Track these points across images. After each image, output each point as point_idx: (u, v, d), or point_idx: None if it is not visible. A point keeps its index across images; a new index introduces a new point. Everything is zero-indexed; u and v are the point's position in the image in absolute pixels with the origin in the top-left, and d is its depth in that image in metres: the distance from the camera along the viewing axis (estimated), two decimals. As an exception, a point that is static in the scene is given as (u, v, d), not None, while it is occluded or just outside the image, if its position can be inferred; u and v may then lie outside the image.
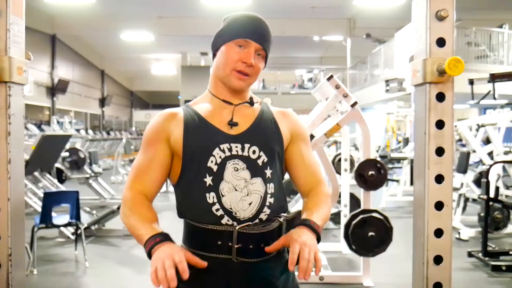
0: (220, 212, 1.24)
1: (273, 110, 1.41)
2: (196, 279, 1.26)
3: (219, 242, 1.23)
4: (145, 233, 1.21)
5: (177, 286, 1.26)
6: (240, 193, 1.25)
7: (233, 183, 1.25)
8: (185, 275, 1.11)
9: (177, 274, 1.11)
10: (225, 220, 1.24)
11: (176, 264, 1.11)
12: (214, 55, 1.36)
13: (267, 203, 1.28)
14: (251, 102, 1.36)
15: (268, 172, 1.30)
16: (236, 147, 1.28)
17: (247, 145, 1.29)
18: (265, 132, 1.33)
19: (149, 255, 1.18)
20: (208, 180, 1.26)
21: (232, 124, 1.30)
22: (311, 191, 1.37)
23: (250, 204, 1.25)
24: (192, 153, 1.28)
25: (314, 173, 1.39)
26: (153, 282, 1.10)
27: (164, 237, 1.20)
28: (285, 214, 1.32)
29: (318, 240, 1.22)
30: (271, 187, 1.29)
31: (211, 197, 1.25)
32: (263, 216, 1.27)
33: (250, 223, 1.24)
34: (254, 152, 1.29)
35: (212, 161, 1.27)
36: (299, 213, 1.35)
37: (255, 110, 1.36)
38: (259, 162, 1.29)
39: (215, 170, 1.26)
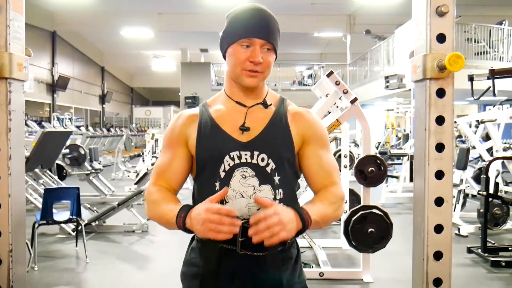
0: None
1: (289, 110, 1.37)
2: (202, 268, 1.30)
3: None
4: (172, 214, 1.23)
5: (184, 271, 1.36)
6: (248, 200, 1.26)
7: (240, 190, 1.27)
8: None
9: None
10: None
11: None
12: (224, 57, 1.36)
13: None
14: (265, 104, 1.35)
15: (277, 179, 1.30)
16: (246, 154, 1.29)
17: (256, 153, 1.29)
18: (275, 139, 1.31)
19: (185, 230, 1.21)
20: (217, 185, 1.28)
21: (243, 129, 1.30)
22: (323, 189, 1.34)
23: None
24: (204, 160, 1.31)
25: (328, 175, 1.35)
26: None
27: (187, 209, 1.23)
28: None
29: (301, 232, 1.20)
30: (280, 193, 1.30)
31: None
32: None
33: None
34: (263, 159, 1.29)
35: (222, 168, 1.29)
36: None
37: (269, 113, 1.35)
38: (268, 169, 1.29)
39: (222, 177, 1.28)
